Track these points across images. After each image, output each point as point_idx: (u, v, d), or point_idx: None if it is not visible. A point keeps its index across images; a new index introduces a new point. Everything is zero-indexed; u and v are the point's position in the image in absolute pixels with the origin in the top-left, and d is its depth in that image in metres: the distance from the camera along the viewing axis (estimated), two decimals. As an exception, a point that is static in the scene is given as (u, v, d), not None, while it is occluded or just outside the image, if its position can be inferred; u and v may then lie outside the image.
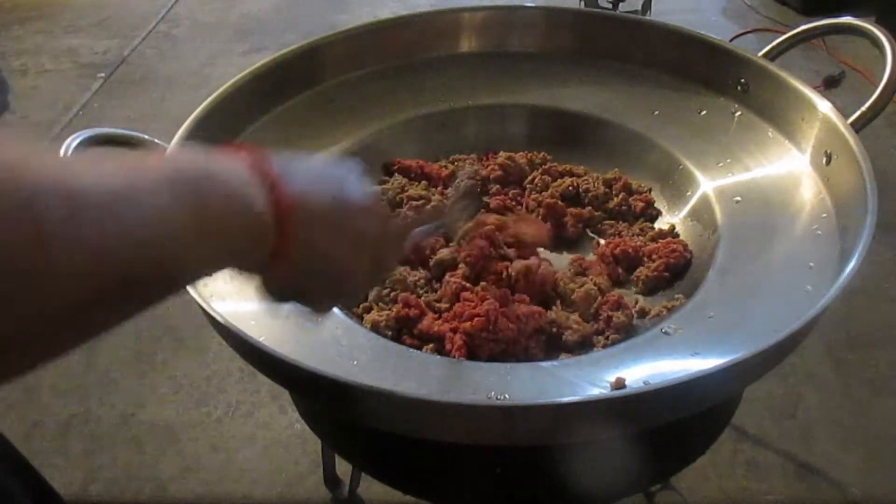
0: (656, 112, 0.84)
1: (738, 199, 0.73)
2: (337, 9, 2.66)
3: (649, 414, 0.52)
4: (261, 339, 0.54)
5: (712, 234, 0.71)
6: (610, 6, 1.92)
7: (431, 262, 0.71)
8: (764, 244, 0.67)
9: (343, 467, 1.10)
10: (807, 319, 0.52)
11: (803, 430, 1.24)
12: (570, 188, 0.79)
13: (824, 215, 0.68)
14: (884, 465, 1.18)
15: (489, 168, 0.82)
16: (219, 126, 0.76)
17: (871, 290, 1.46)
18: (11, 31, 2.59)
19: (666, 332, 0.60)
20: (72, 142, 0.67)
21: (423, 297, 0.67)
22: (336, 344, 0.60)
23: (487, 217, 0.72)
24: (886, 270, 1.52)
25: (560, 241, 0.76)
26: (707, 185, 0.75)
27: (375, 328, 0.64)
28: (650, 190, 0.80)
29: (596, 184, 0.79)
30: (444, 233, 0.70)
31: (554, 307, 0.66)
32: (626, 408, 0.50)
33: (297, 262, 0.41)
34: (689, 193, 0.77)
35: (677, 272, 0.70)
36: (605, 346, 0.63)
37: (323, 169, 0.45)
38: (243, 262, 0.40)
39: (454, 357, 0.60)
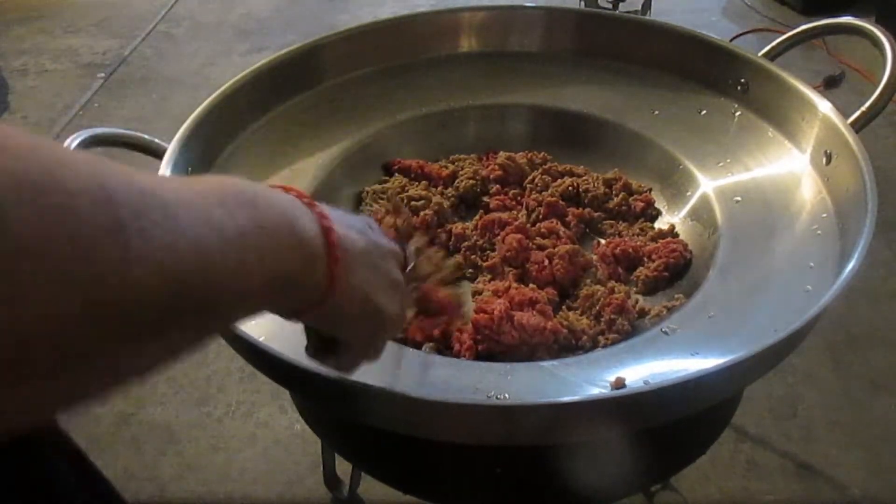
0: (656, 112, 0.84)
1: (738, 198, 0.73)
2: (337, 9, 2.66)
3: (649, 414, 0.52)
4: (261, 339, 0.54)
5: (712, 234, 0.71)
6: (610, 6, 1.92)
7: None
8: (764, 244, 0.67)
9: (343, 467, 1.10)
10: (807, 319, 0.52)
11: (803, 430, 1.24)
12: (570, 188, 0.79)
13: (824, 215, 0.68)
14: (884, 465, 1.18)
15: (489, 168, 0.82)
16: (219, 126, 0.76)
17: (871, 290, 1.46)
18: (11, 31, 2.59)
19: (666, 332, 0.60)
20: (72, 142, 0.67)
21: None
22: (336, 344, 0.60)
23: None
24: (886, 270, 1.52)
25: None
26: (707, 184, 0.75)
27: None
28: (650, 190, 0.80)
29: (596, 184, 0.79)
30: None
31: (563, 308, 0.67)
32: (625, 408, 0.50)
33: (341, 302, 0.40)
34: (689, 193, 0.77)
35: (677, 272, 0.70)
36: (605, 346, 0.63)
37: (348, 214, 0.45)
38: (294, 293, 0.38)
39: (463, 357, 0.60)
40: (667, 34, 0.88)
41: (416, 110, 0.87)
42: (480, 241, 0.74)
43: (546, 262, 0.70)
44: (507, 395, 0.54)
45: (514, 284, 0.68)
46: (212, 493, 1.19)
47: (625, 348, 0.61)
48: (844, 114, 0.71)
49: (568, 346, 0.63)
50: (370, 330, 0.45)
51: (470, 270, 0.73)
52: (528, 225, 0.75)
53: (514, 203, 0.79)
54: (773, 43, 0.82)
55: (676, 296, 0.66)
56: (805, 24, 0.81)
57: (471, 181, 0.80)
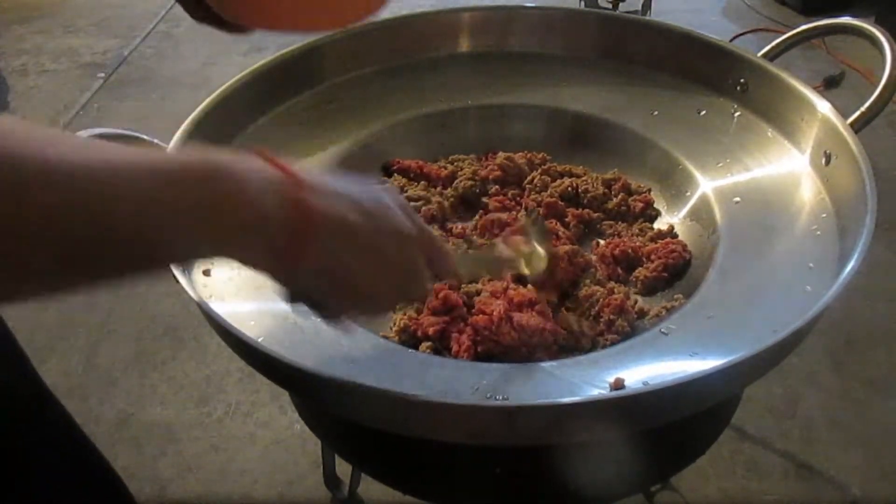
0: (656, 112, 0.84)
1: (738, 199, 0.73)
2: (337, 9, 2.66)
3: (649, 414, 0.52)
4: (260, 340, 0.54)
5: (712, 234, 0.71)
6: (610, 6, 1.92)
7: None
8: (763, 244, 0.67)
9: (343, 467, 1.10)
10: (807, 319, 0.52)
11: (803, 430, 1.24)
12: (570, 188, 0.79)
13: (824, 215, 0.68)
14: (884, 465, 1.18)
15: (489, 168, 0.82)
16: (219, 126, 0.76)
17: (871, 290, 1.46)
18: (11, 31, 2.59)
19: (665, 333, 0.60)
20: (72, 142, 0.67)
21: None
22: (336, 344, 0.60)
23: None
24: (886, 270, 1.52)
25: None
26: (706, 185, 0.75)
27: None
28: (650, 190, 0.80)
29: (595, 184, 0.79)
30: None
31: (562, 309, 0.66)
32: (625, 408, 0.50)
33: (313, 266, 0.41)
34: (688, 194, 0.77)
35: (676, 273, 0.70)
36: (604, 347, 0.63)
37: (366, 192, 0.44)
38: (240, 248, 0.40)
39: (462, 358, 0.60)
40: (667, 34, 0.88)
41: (415, 110, 0.87)
42: (480, 242, 0.74)
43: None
44: (507, 396, 0.54)
45: (513, 285, 0.68)
46: (212, 493, 1.19)
47: (624, 349, 0.61)
48: (844, 114, 0.71)
49: (567, 346, 0.63)
50: (343, 296, 0.45)
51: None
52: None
53: (513, 203, 0.79)
54: (773, 43, 0.82)
55: (676, 296, 0.66)
56: (805, 24, 0.81)
57: (470, 181, 0.80)
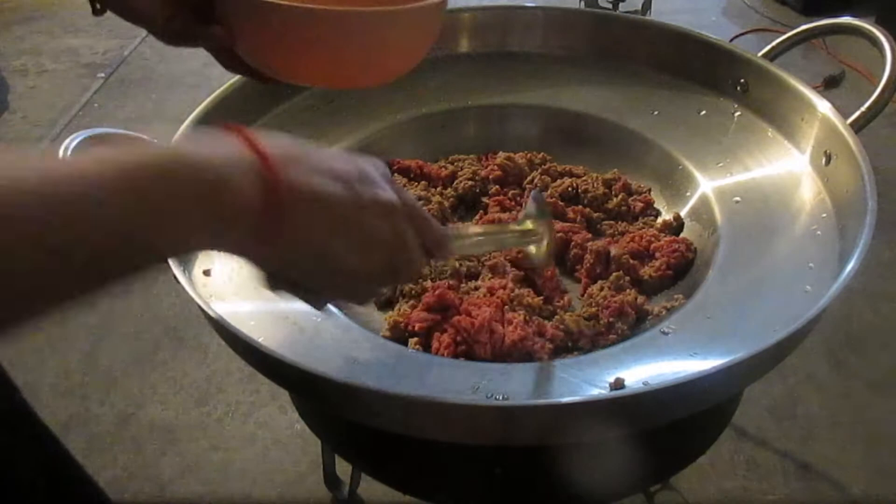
0: (656, 112, 0.84)
1: (738, 199, 0.73)
2: (337, 9, 2.66)
3: (648, 414, 0.52)
4: (260, 340, 0.54)
5: (712, 234, 0.71)
6: (610, 6, 1.92)
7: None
8: (763, 244, 0.67)
9: (343, 467, 1.10)
10: (807, 319, 0.52)
11: (803, 430, 1.24)
12: (570, 188, 0.79)
13: (824, 215, 0.68)
14: (884, 465, 1.18)
15: (489, 168, 0.82)
16: (218, 126, 0.76)
17: (871, 290, 1.46)
18: (11, 31, 2.59)
19: (665, 333, 0.60)
20: (71, 142, 0.67)
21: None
22: (336, 344, 0.60)
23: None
24: (886, 270, 1.52)
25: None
26: (707, 185, 0.75)
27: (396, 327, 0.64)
28: (650, 190, 0.80)
29: (595, 184, 0.79)
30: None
31: (560, 312, 0.66)
32: (625, 408, 0.50)
33: (289, 249, 0.39)
34: (688, 194, 0.77)
35: (679, 272, 0.70)
36: (604, 347, 0.63)
37: (345, 163, 0.42)
38: (212, 237, 0.38)
39: (443, 355, 0.60)
40: (667, 34, 0.88)
41: (415, 110, 0.87)
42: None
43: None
44: (507, 396, 0.54)
45: (511, 285, 0.67)
46: (212, 493, 1.19)
47: (624, 349, 0.61)
48: (844, 114, 0.71)
49: (566, 346, 0.63)
50: (324, 279, 0.43)
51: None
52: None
53: (513, 203, 0.79)
54: (773, 43, 0.82)
55: (676, 296, 0.66)
56: (805, 24, 0.81)
57: (470, 182, 0.80)
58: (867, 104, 0.71)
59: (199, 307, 0.55)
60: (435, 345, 0.61)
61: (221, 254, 0.42)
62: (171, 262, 0.57)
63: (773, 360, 0.55)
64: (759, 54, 0.81)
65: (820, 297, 0.54)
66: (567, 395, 0.54)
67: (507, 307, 0.64)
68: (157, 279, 1.45)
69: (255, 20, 0.56)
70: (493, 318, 0.62)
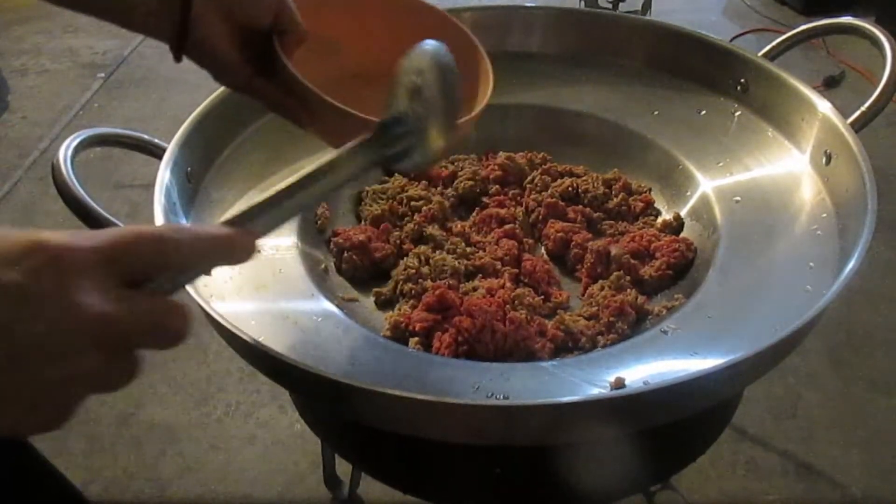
0: (656, 112, 0.84)
1: (738, 198, 0.73)
2: (337, 9, 2.66)
3: (649, 414, 0.52)
4: (260, 339, 0.54)
5: (712, 234, 0.71)
6: (610, 6, 1.92)
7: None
8: (764, 244, 0.67)
9: (343, 467, 1.10)
10: (807, 319, 0.52)
11: (803, 430, 1.24)
12: (570, 188, 0.79)
13: (824, 215, 0.68)
14: (884, 465, 1.18)
15: (489, 168, 0.82)
16: (219, 126, 0.76)
17: (871, 290, 1.46)
18: (11, 31, 2.59)
19: (665, 332, 0.60)
20: (72, 142, 0.67)
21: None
22: (336, 344, 0.60)
23: None
24: (886, 270, 1.52)
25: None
26: (707, 184, 0.75)
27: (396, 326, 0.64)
28: (650, 190, 0.80)
29: (595, 184, 0.79)
30: None
31: (559, 311, 0.66)
32: (625, 408, 0.50)
33: None
34: (688, 193, 0.77)
35: (679, 271, 0.70)
36: (604, 346, 0.63)
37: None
38: None
39: (444, 355, 0.60)
40: (667, 34, 0.88)
41: (415, 110, 0.86)
42: (477, 238, 0.74)
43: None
44: (507, 396, 0.54)
45: (509, 285, 0.67)
46: (212, 493, 1.19)
47: (624, 348, 0.61)
48: (844, 114, 0.71)
49: (567, 346, 0.63)
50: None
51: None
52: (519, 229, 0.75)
53: (513, 203, 0.79)
54: (773, 43, 0.82)
55: (676, 296, 0.66)
56: (805, 24, 0.81)
57: (470, 181, 0.80)
58: (867, 104, 0.71)
59: (200, 307, 0.55)
60: (436, 344, 0.61)
61: None
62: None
63: (773, 359, 0.55)
64: (759, 54, 0.81)
65: (820, 297, 0.54)
66: (567, 395, 0.54)
67: (507, 307, 0.64)
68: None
69: (316, 110, 0.58)
70: (494, 317, 0.62)
